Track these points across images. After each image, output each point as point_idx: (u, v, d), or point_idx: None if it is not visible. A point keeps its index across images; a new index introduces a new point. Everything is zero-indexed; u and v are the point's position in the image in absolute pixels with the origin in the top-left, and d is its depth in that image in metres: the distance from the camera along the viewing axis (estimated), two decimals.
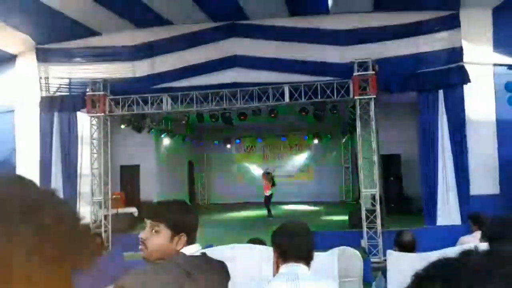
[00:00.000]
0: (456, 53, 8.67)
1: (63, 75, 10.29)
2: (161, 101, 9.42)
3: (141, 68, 10.07)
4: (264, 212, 12.69)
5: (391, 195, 11.14)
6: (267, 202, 12.61)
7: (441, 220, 8.68)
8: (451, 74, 8.66)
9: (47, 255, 0.57)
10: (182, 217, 1.60)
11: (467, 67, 8.58)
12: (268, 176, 13.03)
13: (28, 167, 10.09)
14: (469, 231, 5.07)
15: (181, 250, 1.54)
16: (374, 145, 8.45)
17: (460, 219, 8.44)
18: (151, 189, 13.31)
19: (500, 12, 8.43)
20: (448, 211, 8.65)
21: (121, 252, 6.69)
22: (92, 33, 9.99)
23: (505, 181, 8.37)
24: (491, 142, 8.54)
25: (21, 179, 0.63)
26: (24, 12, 8.60)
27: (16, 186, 0.61)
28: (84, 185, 10.02)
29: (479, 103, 8.64)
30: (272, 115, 9.60)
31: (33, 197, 0.60)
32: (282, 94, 8.89)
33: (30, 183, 0.63)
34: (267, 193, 12.66)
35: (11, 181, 0.62)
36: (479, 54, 8.65)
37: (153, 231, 1.56)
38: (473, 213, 5.46)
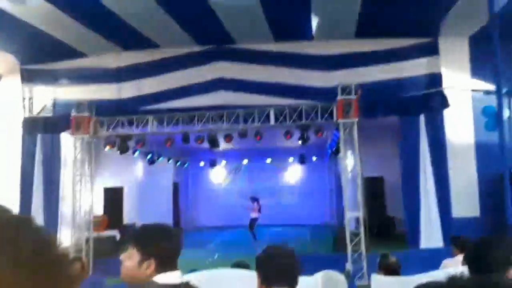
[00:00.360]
0: (435, 79, 8.95)
1: (47, 96, 10.21)
2: (147, 122, 9.41)
3: (126, 90, 10.05)
4: (248, 234, 12.58)
5: (374, 218, 11.21)
6: (252, 225, 12.54)
7: (424, 243, 8.74)
8: (431, 99, 8.90)
9: (26, 286, 0.57)
10: (153, 242, 1.57)
11: (446, 92, 8.84)
12: (256, 201, 13.01)
13: (8, 188, 9.85)
14: (451, 253, 5.13)
15: (157, 278, 1.50)
16: (357, 167, 8.55)
17: (442, 242, 8.52)
18: (134, 211, 13.12)
19: (476, 40, 8.77)
20: (430, 234, 8.72)
21: (103, 277, 6.52)
22: (78, 54, 9.98)
23: (485, 203, 8.53)
24: (471, 166, 8.73)
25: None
26: (9, 32, 8.57)
27: None
28: (66, 208, 9.80)
29: (459, 127, 8.87)
30: (258, 137, 9.66)
31: (10, 227, 0.59)
32: (268, 117, 8.99)
33: (7, 212, 0.62)
34: (253, 216, 12.58)
35: None
36: (458, 80, 8.94)
37: (128, 254, 1.56)
38: (455, 236, 5.54)
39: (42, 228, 0.63)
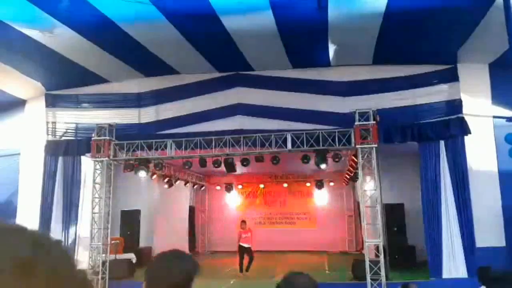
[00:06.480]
0: (455, 105, 8.85)
1: (70, 120, 10.50)
2: (165, 146, 9.53)
3: (146, 115, 10.27)
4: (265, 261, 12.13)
5: (395, 246, 10.88)
6: (251, 254, 10.95)
7: (447, 273, 8.45)
8: (451, 125, 8.78)
9: None
10: (153, 271, 1.52)
11: (467, 118, 8.71)
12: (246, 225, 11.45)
13: (29, 209, 10.04)
14: (476, 284, 4.94)
15: None
16: (377, 194, 8.41)
17: (466, 272, 8.21)
18: (150, 234, 13.11)
19: (497, 67, 8.68)
20: (454, 264, 8.44)
21: None
22: (101, 80, 10.29)
23: (511, 233, 8.22)
24: (494, 194, 8.48)
25: (19, 230, 0.61)
26: (37, 60, 8.91)
27: (12, 240, 0.59)
28: (84, 229, 9.91)
29: (481, 154, 8.68)
30: (275, 162, 9.66)
31: (28, 252, 0.58)
32: (285, 141, 9.00)
33: (29, 234, 0.61)
34: (248, 245, 11.07)
35: (8, 233, 0.60)
36: (479, 106, 8.82)
37: None
38: (480, 268, 5.34)
39: (64, 250, 0.63)
